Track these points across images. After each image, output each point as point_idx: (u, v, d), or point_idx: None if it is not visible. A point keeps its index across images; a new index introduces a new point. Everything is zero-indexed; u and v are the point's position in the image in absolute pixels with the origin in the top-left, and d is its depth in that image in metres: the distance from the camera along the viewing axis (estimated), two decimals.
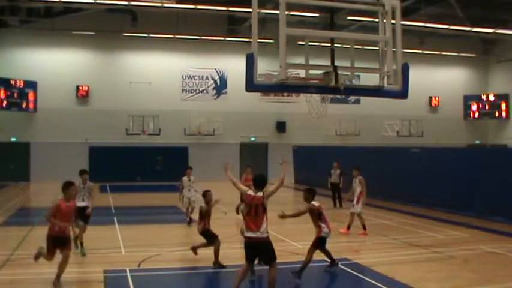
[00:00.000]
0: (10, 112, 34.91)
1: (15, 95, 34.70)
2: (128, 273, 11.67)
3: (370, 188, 26.38)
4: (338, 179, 24.54)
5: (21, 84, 35.04)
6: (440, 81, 44.99)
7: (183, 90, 39.64)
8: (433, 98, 45.31)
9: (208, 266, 12.26)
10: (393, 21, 8.26)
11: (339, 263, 12.25)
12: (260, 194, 9.53)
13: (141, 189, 33.05)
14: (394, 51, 8.23)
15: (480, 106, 44.98)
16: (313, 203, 11.68)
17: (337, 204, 24.22)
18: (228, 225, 17.79)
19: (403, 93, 8.29)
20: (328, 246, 11.79)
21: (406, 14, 28.34)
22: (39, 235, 16.63)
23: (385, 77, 8.25)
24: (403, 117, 41.68)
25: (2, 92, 34.08)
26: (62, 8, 33.45)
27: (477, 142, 45.12)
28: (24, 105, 35.38)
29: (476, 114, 45.30)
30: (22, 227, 17.15)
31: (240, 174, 39.54)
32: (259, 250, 9.52)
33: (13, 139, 35.77)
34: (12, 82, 34.66)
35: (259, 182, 9.72)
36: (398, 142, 39.00)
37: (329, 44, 8.84)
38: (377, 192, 26.76)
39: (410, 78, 8.20)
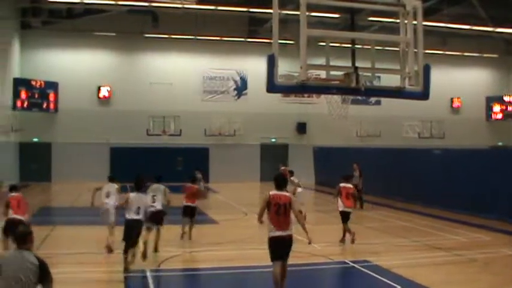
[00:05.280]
0: (31, 112, 35.18)
1: (36, 95, 34.92)
2: (148, 274, 11.72)
3: (391, 190, 26.56)
4: (357, 179, 24.41)
5: (42, 84, 35.23)
6: (462, 82, 44.55)
7: (203, 91, 39.69)
8: (455, 99, 44.88)
9: (230, 266, 12.25)
10: (414, 22, 8.19)
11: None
12: (286, 193, 9.80)
13: None
14: (415, 52, 8.18)
15: (503, 107, 44.47)
16: None
17: (357, 206, 24.05)
18: (249, 227, 17.76)
19: (424, 95, 8.23)
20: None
21: (428, 14, 28.14)
22: (60, 234, 16.87)
23: (406, 78, 8.19)
24: (424, 118, 41.28)
25: (23, 92, 34.31)
26: (83, 10, 33.74)
27: (500, 144, 44.62)
28: (44, 106, 35.61)
29: (499, 116, 44.73)
30: (43, 227, 17.24)
31: (260, 175, 39.89)
32: (288, 246, 9.59)
33: (35, 139, 36.10)
34: (33, 83, 34.90)
35: (282, 182, 9.93)
36: (419, 144, 38.58)
37: (350, 45, 8.79)
38: (397, 194, 26.65)
39: (432, 79, 8.13)
